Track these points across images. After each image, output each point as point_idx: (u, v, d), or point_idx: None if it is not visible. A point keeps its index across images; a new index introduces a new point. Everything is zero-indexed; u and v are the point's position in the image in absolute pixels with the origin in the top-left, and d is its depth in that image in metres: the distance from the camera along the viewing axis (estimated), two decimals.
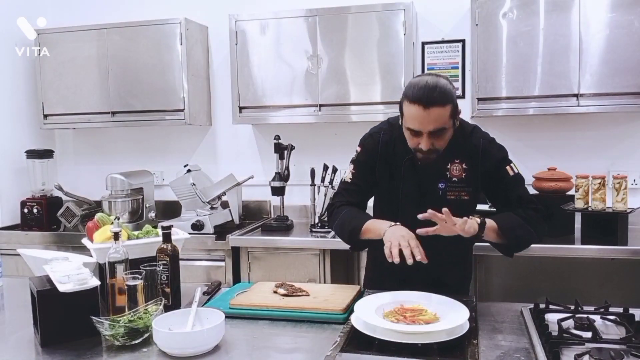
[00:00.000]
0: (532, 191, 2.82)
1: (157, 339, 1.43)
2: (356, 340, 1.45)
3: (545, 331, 1.43)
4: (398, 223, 1.69)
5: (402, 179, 1.85)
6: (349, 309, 1.67)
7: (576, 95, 2.73)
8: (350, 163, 1.94)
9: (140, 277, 1.57)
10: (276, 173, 3.13)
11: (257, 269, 2.91)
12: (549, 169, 2.83)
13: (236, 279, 2.95)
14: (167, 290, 1.71)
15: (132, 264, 1.65)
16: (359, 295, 1.81)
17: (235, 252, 2.97)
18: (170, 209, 3.58)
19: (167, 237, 1.73)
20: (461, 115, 3.18)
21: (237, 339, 1.54)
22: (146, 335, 1.49)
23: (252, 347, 1.50)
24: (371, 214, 1.90)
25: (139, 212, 3.34)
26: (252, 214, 3.50)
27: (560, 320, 1.48)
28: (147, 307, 1.54)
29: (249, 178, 3.21)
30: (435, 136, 1.70)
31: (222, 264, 2.98)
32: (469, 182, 1.82)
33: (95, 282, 1.55)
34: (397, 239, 1.60)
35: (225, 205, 3.29)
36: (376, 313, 1.54)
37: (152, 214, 3.38)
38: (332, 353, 1.38)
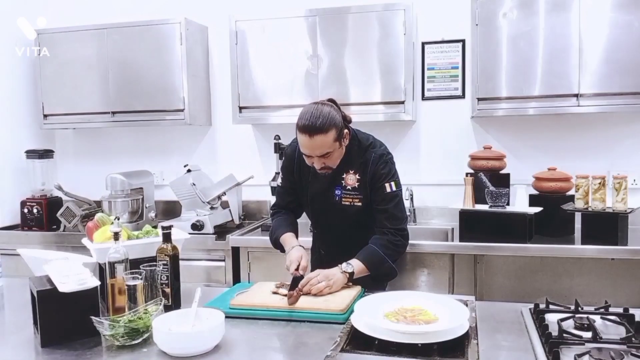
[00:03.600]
0: (531, 191, 2.83)
1: (157, 339, 1.43)
2: (356, 340, 1.45)
3: (545, 331, 1.43)
4: (297, 246, 2.03)
5: (309, 183, 2.15)
6: (349, 309, 1.67)
7: (576, 95, 2.73)
8: (280, 170, 2.31)
9: (140, 277, 1.57)
10: (276, 173, 3.12)
11: (257, 269, 2.91)
12: (549, 169, 2.83)
13: (236, 279, 2.95)
14: (167, 290, 1.71)
15: (132, 264, 1.65)
16: (359, 296, 1.82)
17: (235, 252, 2.96)
18: (170, 209, 3.59)
19: (167, 237, 1.73)
20: (461, 115, 3.24)
21: (238, 339, 1.54)
22: (146, 335, 1.49)
23: (252, 347, 1.50)
24: None
25: (139, 212, 3.34)
26: (252, 214, 3.50)
27: (560, 320, 1.48)
28: (147, 307, 1.54)
29: (249, 178, 3.21)
30: (325, 157, 1.97)
31: (222, 264, 2.98)
32: (362, 190, 2.07)
33: (95, 282, 1.55)
34: (290, 261, 1.95)
35: (225, 205, 3.29)
36: (376, 313, 1.54)
37: (152, 214, 3.38)
38: (332, 353, 1.38)
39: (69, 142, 3.86)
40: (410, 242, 2.13)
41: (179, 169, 3.39)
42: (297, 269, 1.90)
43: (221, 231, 3.10)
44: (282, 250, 2.13)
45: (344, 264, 1.91)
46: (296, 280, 1.85)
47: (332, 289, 1.82)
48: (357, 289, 1.86)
